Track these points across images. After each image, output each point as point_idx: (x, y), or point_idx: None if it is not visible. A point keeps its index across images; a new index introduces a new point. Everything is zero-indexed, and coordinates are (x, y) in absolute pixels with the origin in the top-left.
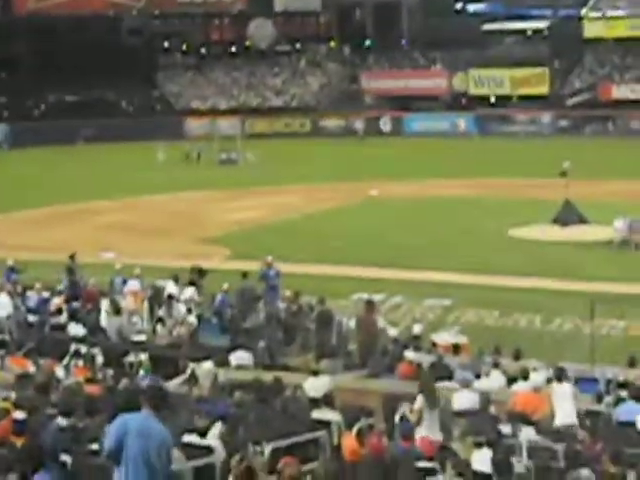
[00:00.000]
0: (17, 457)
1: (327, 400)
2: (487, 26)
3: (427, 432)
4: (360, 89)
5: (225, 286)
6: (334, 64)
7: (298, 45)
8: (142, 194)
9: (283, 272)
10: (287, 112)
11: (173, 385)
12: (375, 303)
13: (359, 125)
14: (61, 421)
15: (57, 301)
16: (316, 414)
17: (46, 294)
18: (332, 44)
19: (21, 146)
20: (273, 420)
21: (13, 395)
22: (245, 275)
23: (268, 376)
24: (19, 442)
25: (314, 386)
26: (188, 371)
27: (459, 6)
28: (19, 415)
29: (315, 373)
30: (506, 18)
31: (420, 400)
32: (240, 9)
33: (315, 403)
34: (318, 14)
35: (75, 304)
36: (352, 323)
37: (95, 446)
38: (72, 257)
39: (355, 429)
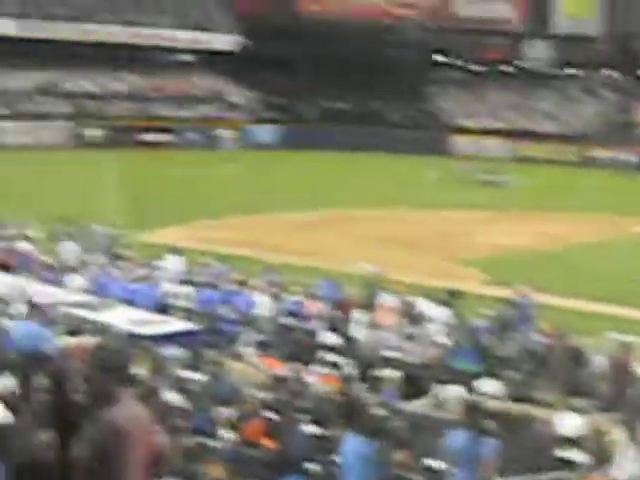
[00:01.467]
0: (268, 461)
1: (576, 440)
2: None
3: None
4: (634, 120)
5: (480, 311)
6: (608, 92)
7: (573, 70)
8: (403, 208)
9: (538, 303)
10: (557, 138)
11: (418, 405)
12: (630, 344)
13: (633, 158)
14: (311, 428)
15: (313, 306)
16: (563, 453)
17: (302, 299)
18: (608, 71)
19: (291, 148)
20: (518, 453)
21: (267, 396)
22: (506, 301)
23: (517, 407)
24: (269, 444)
25: (565, 423)
26: (434, 393)
27: None
28: (272, 417)
29: (568, 410)
30: None
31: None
32: (517, 29)
33: (563, 441)
34: (596, 39)
35: (332, 312)
36: (605, 363)
37: (339, 458)
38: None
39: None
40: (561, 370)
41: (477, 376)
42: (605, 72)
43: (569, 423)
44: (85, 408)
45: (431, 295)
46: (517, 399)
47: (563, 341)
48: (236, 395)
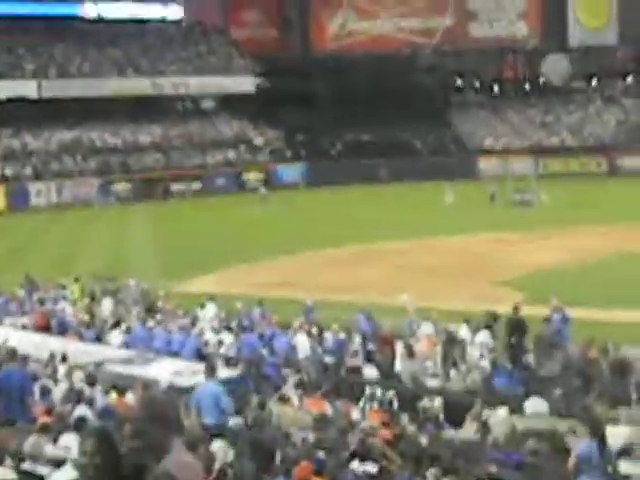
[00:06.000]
0: None
1: (625, 450)
2: None
3: None
4: None
5: None
6: (632, 100)
7: (594, 81)
8: (435, 235)
9: (575, 317)
10: (583, 151)
11: (465, 432)
12: None
13: None
14: (357, 466)
15: (354, 342)
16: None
17: (343, 335)
18: (629, 80)
19: (317, 185)
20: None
21: (311, 436)
22: (547, 320)
23: (563, 425)
24: None
25: (612, 435)
26: (481, 418)
27: None
28: (320, 456)
29: (613, 422)
30: None
31: None
32: (534, 45)
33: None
34: (615, 49)
35: (372, 346)
36: None
37: None
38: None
39: None
40: (606, 382)
41: (522, 397)
42: (627, 80)
43: (613, 434)
44: (137, 462)
45: (471, 320)
46: (563, 416)
47: (606, 353)
48: (284, 438)
